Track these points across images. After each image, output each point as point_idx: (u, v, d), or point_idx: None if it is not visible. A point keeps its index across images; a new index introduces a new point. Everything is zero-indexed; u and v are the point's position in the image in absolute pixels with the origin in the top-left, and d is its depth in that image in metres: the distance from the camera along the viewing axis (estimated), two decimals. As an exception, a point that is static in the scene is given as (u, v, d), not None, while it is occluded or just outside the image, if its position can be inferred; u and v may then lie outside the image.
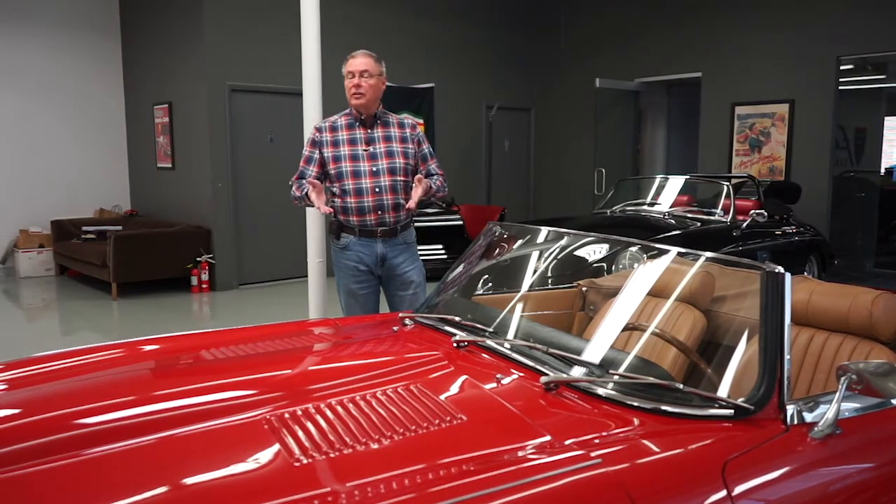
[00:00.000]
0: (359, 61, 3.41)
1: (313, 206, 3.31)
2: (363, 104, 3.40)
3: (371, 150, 3.43)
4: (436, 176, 3.55)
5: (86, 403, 1.69)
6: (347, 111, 3.52)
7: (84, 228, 8.27)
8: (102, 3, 8.89)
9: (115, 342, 2.23)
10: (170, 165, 8.39)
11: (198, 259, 7.62)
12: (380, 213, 3.41)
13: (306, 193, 3.34)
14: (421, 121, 8.71)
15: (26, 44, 8.36)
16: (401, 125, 3.54)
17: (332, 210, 3.40)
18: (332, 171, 3.44)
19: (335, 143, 3.45)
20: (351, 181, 3.40)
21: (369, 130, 3.46)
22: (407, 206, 3.42)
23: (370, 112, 3.45)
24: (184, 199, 8.22)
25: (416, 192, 3.35)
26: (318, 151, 3.48)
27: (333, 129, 3.48)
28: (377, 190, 3.40)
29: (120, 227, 8.12)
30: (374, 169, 3.41)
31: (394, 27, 8.75)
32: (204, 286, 7.66)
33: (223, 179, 7.67)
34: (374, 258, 3.47)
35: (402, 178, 3.46)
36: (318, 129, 3.51)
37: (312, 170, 3.48)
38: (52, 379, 1.91)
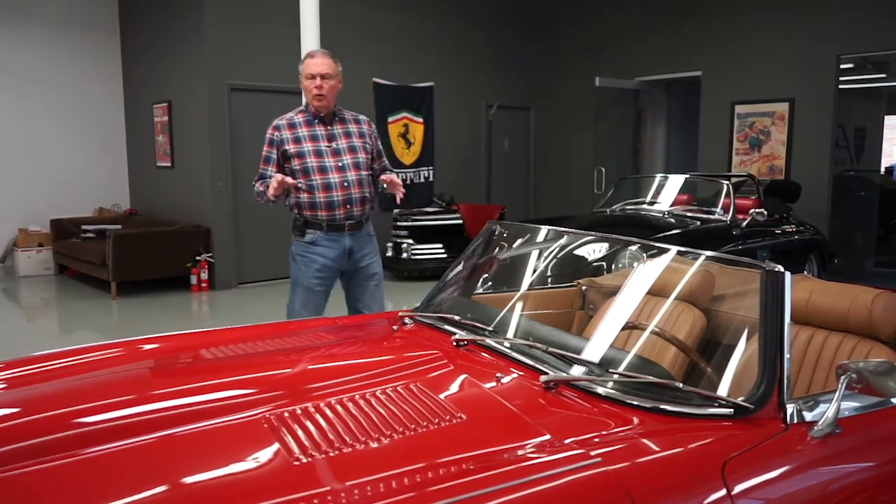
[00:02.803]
0: (318, 62, 3.43)
1: (275, 202, 3.36)
2: (325, 105, 3.46)
3: (334, 146, 3.48)
4: (389, 172, 3.65)
5: (85, 403, 1.69)
6: (302, 108, 3.56)
7: (83, 227, 8.27)
8: (102, 3, 8.89)
9: (115, 341, 2.22)
10: (169, 164, 8.38)
11: (197, 258, 7.62)
12: (348, 206, 3.46)
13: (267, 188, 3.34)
14: (420, 119, 8.72)
15: (26, 43, 8.36)
16: (357, 121, 3.60)
17: (279, 194, 3.34)
18: (297, 168, 3.44)
19: (297, 140, 3.45)
20: (318, 176, 3.42)
21: (329, 127, 3.51)
22: (390, 180, 3.48)
23: (329, 110, 3.50)
24: (183, 199, 8.21)
25: (395, 177, 3.50)
26: (275, 151, 3.48)
27: (292, 126, 3.48)
28: (345, 185, 3.44)
29: (119, 227, 8.12)
30: (340, 164, 3.46)
31: (393, 26, 8.74)
32: (203, 285, 7.66)
33: (223, 179, 7.67)
34: (340, 252, 3.50)
35: (365, 173, 3.54)
36: (276, 128, 3.50)
37: (272, 171, 3.48)
38: (52, 378, 1.91)
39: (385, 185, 3.55)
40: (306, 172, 3.43)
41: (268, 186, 3.33)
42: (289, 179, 3.33)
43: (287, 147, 3.45)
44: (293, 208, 3.53)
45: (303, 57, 3.57)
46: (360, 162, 3.51)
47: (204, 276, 7.65)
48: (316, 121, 3.50)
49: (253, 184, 3.55)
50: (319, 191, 3.43)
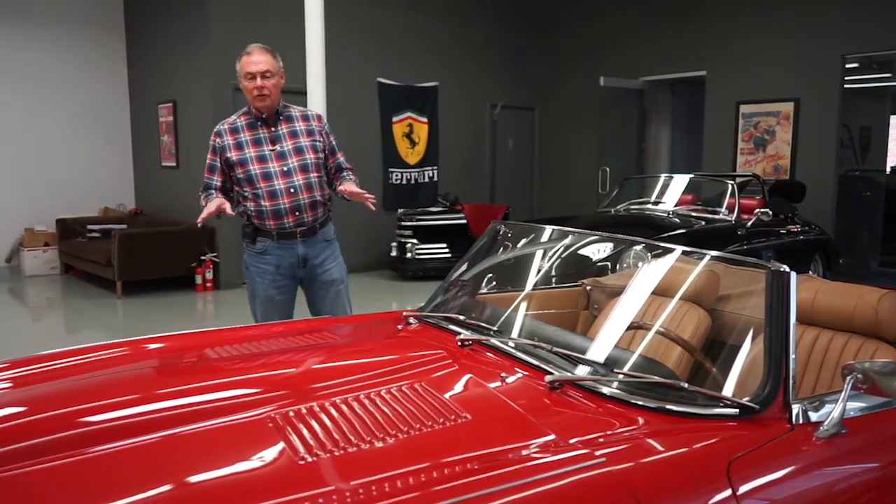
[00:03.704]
0: (258, 60, 3.17)
1: (220, 217, 3.12)
2: (268, 105, 3.21)
3: (278, 148, 3.24)
4: (347, 172, 3.40)
5: (90, 402, 1.69)
6: (245, 110, 3.31)
7: (89, 227, 8.29)
8: (107, 2, 8.91)
9: (120, 341, 2.23)
10: (174, 164, 8.40)
11: (202, 258, 7.63)
12: (297, 213, 3.23)
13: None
14: (425, 119, 8.71)
15: (31, 42, 8.38)
16: (305, 118, 3.35)
17: (212, 216, 3.09)
18: (241, 176, 3.22)
19: (238, 146, 3.23)
20: (262, 184, 3.20)
21: (273, 129, 3.26)
22: (349, 191, 3.25)
23: (272, 110, 3.25)
24: (188, 198, 8.20)
25: (354, 187, 3.26)
26: (219, 159, 3.27)
27: (234, 130, 3.26)
28: (292, 190, 3.21)
29: (124, 226, 8.14)
30: (286, 169, 3.22)
31: (397, 26, 8.74)
32: (208, 285, 7.67)
33: (227, 178, 7.67)
34: (294, 260, 3.29)
35: (315, 175, 3.28)
36: (218, 134, 3.28)
37: (217, 179, 3.28)
38: (57, 377, 1.92)
39: (346, 197, 3.32)
40: (250, 181, 3.20)
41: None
42: (227, 208, 3.09)
43: (229, 155, 3.23)
44: (242, 215, 3.32)
45: (240, 55, 3.27)
46: (308, 164, 3.25)
47: (209, 275, 7.67)
48: (259, 123, 3.25)
49: (199, 194, 3.33)
50: (265, 199, 3.20)
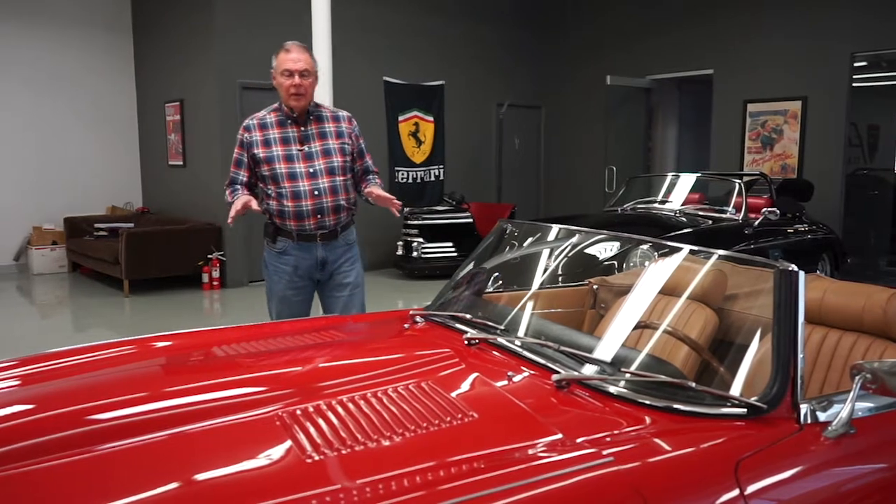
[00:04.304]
0: (297, 57, 3.14)
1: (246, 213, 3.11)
2: (302, 105, 3.18)
3: (306, 149, 3.19)
4: (373, 175, 3.38)
5: (98, 400, 1.69)
6: (276, 106, 3.27)
7: (96, 226, 8.33)
8: (115, 1, 8.94)
9: (127, 339, 2.23)
10: (181, 163, 8.42)
11: (209, 256, 7.65)
12: (319, 216, 3.19)
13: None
14: (431, 118, 8.71)
15: (39, 42, 8.41)
16: (336, 118, 3.30)
17: (240, 214, 3.07)
18: (266, 174, 3.18)
19: (266, 143, 3.19)
20: (287, 184, 3.16)
21: (303, 128, 3.22)
22: (376, 195, 3.22)
23: (304, 110, 3.22)
24: (195, 197, 8.25)
25: (380, 191, 3.25)
26: (246, 154, 3.22)
27: (263, 126, 3.21)
28: (316, 193, 3.17)
29: (132, 225, 8.16)
30: (312, 170, 3.17)
31: (404, 25, 8.75)
32: (215, 283, 7.69)
33: (234, 177, 7.69)
34: (313, 263, 3.25)
35: (341, 178, 3.24)
36: (246, 129, 3.23)
37: (243, 174, 3.24)
38: (65, 375, 1.92)
39: (371, 200, 3.28)
40: (275, 179, 3.17)
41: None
42: (253, 204, 3.08)
43: (255, 150, 3.18)
44: (265, 213, 3.29)
45: (277, 51, 3.22)
46: (335, 167, 3.21)
47: (215, 274, 7.69)
48: (289, 121, 3.21)
49: (224, 189, 3.30)
50: (288, 199, 3.16)
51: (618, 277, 2.82)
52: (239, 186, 3.24)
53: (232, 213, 3.06)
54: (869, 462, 1.65)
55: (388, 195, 3.25)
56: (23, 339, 5.83)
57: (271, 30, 7.71)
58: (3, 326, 6.27)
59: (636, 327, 2.01)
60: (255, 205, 3.11)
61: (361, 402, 1.65)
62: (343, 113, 3.37)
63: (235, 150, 3.27)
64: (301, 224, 3.20)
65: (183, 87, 8.18)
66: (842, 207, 7.77)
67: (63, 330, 6.46)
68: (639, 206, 6.57)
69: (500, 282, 2.63)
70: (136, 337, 2.26)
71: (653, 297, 2.06)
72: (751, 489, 1.41)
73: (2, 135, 8.30)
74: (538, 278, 2.48)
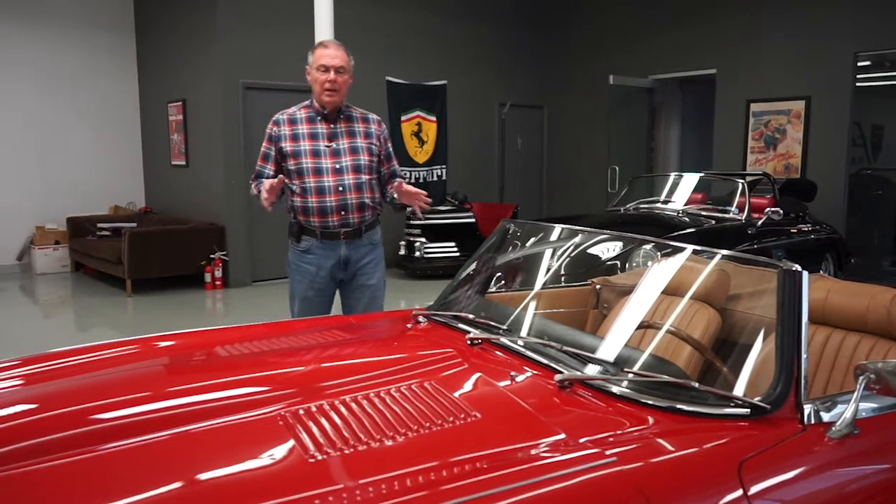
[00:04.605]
0: (334, 54, 3.16)
1: (274, 204, 3.12)
2: (335, 102, 3.18)
3: (334, 146, 3.20)
4: (400, 180, 3.36)
5: (101, 399, 1.69)
6: (307, 103, 3.28)
7: (99, 225, 8.34)
8: (117, 1, 8.95)
9: (130, 338, 2.23)
10: (184, 163, 8.43)
11: (211, 256, 7.66)
12: (343, 213, 3.19)
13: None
14: (433, 118, 8.71)
15: (41, 41, 8.43)
16: (365, 119, 3.32)
17: (273, 201, 3.10)
18: (292, 168, 3.19)
19: (294, 138, 3.20)
20: (312, 178, 3.17)
21: (332, 125, 3.23)
22: (400, 187, 3.19)
23: (336, 107, 3.22)
24: (197, 197, 8.26)
25: (407, 186, 3.21)
26: (274, 147, 3.24)
27: (293, 121, 3.23)
28: (340, 189, 3.17)
29: (134, 225, 8.18)
30: (338, 166, 3.18)
31: (406, 25, 8.75)
32: (217, 283, 7.70)
33: (236, 177, 7.70)
34: (336, 262, 3.25)
35: (367, 177, 3.24)
36: (276, 123, 3.25)
37: (270, 168, 3.26)
38: (67, 375, 1.92)
39: (395, 195, 3.26)
40: (300, 173, 3.18)
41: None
42: (277, 181, 3.08)
43: (283, 144, 3.20)
44: (289, 211, 3.30)
45: (314, 47, 3.27)
46: (362, 165, 3.22)
47: (218, 273, 7.69)
48: (319, 118, 3.22)
49: (249, 183, 3.33)
50: (312, 194, 3.16)
51: (620, 277, 2.81)
52: (264, 180, 3.23)
53: (265, 195, 3.06)
54: (873, 463, 1.65)
55: (415, 189, 3.22)
56: (25, 338, 5.84)
57: (274, 30, 7.72)
58: (5, 326, 6.29)
59: (639, 327, 2.01)
60: (279, 181, 3.10)
61: (364, 402, 1.65)
62: (373, 116, 3.39)
63: (263, 144, 3.28)
64: (325, 220, 3.20)
65: (185, 86, 8.19)
66: (845, 207, 7.75)
67: (66, 329, 6.47)
68: (641, 206, 6.56)
69: (503, 282, 2.63)
70: (139, 336, 2.26)
71: (656, 297, 2.06)
72: (754, 489, 1.41)
73: (5, 135, 8.31)
74: (541, 278, 2.48)
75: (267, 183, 3.07)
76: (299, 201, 3.21)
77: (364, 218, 3.28)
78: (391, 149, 3.42)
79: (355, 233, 3.26)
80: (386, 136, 3.39)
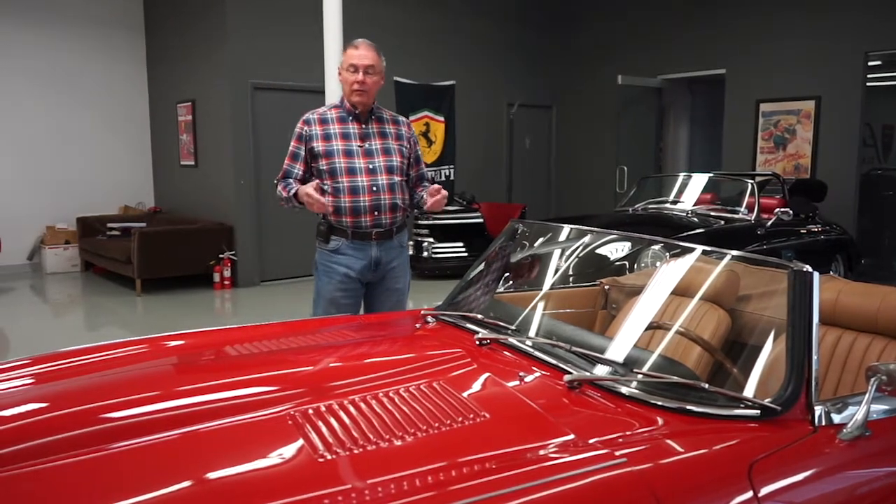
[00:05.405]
0: (363, 54, 3.15)
1: (302, 207, 3.10)
2: (364, 101, 3.18)
3: (367, 146, 3.19)
4: (428, 184, 3.33)
5: (110, 398, 1.70)
6: (337, 104, 3.27)
7: (109, 225, 8.38)
8: (127, 1, 8.99)
9: (140, 338, 2.24)
10: (193, 163, 8.46)
11: (220, 256, 7.68)
12: (376, 213, 3.17)
13: (294, 194, 3.11)
14: (442, 118, 8.71)
15: (51, 42, 8.47)
16: (395, 121, 3.32)
17: (332, 208, 3.12)
18: (324, 168, 3.15)
19: (326, 137, 3.17)
20: (345, 178, 3.13)
21: (364, 126, 3.21)
22: (432, 190, 3.14)
23: (367, 107, 3.22)
24: (207, 197, 8.28)
25: (437, 194, 3.15)
26: (304, 147, 3.20)
27: (323, 121, 3.20)
28: (374, 189, 3.15)
29: (144, 224, 8.21)
30: (371, 166, 3.16)
31: (415, 25, 8.75)
32: (226, 283, 7.72)
33: (245, 177, 7.72)
34: (366, 263, 3.22)
35: (398, 178, 3.23)
36: (307, 122, 3.21)
37: (299, 168, 3.21)
38: (78, 374, 1.93)
39: (425, 198, 3.19)
40: (333, 174, 3.14)
41: (294, 194, 3.11)
42: (312, 191, 3.03)
43: (315, 144, 3.15)
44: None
45: (345, 47, 3.25)
46: (394, 166, 3.20)
47: (227, 273, 7.72)
48: (350, 118, 3.20)
49: (275, 183, 3.27)
50: (345, 194, 3.13)
51: (629, 278, 2.81)
52: (292, 180, 3.21)
53: (317, 197, 3.02)
54: (884, 465, 1.64)
55: (443, 194, 3.16)
56: (35, 337, 5.87)
57: (283, 30, 7.74)
58: (16, 325, 6.33)
59: (648, 328, 2.01)
60: (328, 207, 3.10)
61: (373, 402, 1.65)
62: (402, 118, 3.39)
63: (292, 144, 3.24)
64: (357, 220, 3.17)
65: (195, 87, 8.22)
66: (856, 208, 7.71)
67: (75, 329, 6.50)
68: (650, 206, 6.54)
69: (512, 282, 2.63)
70: (148, 336, 2.27)
71: (665, 297, 2.05)
72: (764, 491, 1.40)
73: (15, 135, 8.36)
74: (549, 278, 2.48)
75: (308, 187, 3.03)
76: (331, 201, 3.16)
77: (395, 219, 3.25)
78: (420, 151, 3.42)
79: (387, 234, 3.24)
80: (415, 139, 3.38)
